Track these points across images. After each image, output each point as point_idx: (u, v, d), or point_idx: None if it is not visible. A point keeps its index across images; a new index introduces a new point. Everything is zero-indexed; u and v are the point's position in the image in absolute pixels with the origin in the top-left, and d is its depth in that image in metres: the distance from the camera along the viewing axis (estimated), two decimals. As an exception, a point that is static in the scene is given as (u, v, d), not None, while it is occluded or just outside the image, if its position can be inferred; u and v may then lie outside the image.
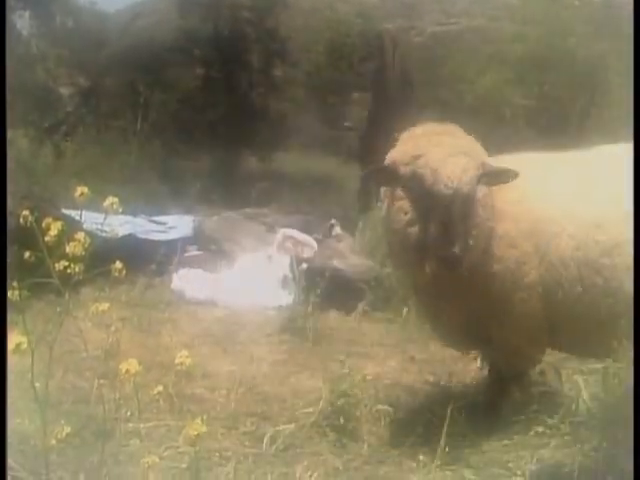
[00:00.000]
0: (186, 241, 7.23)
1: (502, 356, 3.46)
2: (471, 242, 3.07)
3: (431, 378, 4.32)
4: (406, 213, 3.15)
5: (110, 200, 2.32)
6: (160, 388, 2.34)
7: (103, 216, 2.37)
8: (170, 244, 6.91)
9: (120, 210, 2.35)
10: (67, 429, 2.24)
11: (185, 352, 2.15)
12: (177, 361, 2.14)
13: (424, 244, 3.06)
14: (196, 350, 4.53)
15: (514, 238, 3.27)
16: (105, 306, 2.34)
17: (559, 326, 3.33)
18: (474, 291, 3.23)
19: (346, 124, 16.09)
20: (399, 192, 3.18)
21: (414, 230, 3.11)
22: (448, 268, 2.98)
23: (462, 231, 3.00)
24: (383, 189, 3.44)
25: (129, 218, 7.07)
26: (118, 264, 2.30)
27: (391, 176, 3.21)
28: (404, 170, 3.15)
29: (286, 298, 5.98)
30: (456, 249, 2.94)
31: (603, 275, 3.17)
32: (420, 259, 3.11)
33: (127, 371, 2.08)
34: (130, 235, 6.62)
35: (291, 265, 6.38)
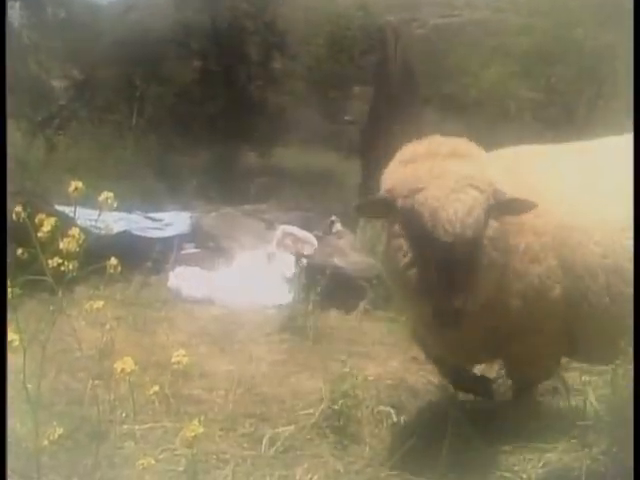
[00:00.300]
0: (183, 238, 7.25)
1: (517, 370, 3.33)
2: (478, 290, 2.78)
3: (434, 379, 4.28)
4: (405, 255, 2.82)
5: (105, 195, 2.31)
6: (156, 388, 2.34)
7: (97, 212, 2.36)
8: (166, 241, 6.92)
9: (115, 206, 2.34)
10: (60, 431, 2.24)
11: (182, 351, 2.15)
12: (174, 360, 2.14)
13: (425, 289, 2.75)
14: (193, 350, 4.53)
15: (537, 252, 3.03)
16: (100, 304, 2.34)
17: (580, 337, 3.16)
18: (490, 310, 2.98)
19: (347, 118, 16.08)
20: (397, 228, 2.86)
21: (414, 273, 2.80)
22: (446, 324, 2.71)
23: (465, 281, 2.68)
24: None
25: (124, 214, 7.08)
26: (113, 260, 2.29)
27: (388, 209, 2.88)
28: (402, 203, 2.81)
29: (286, 296, 5.97)
30: (456, 303, 2.64)
31: (631, 282, 2.90)
32: (423, 302, 2.82)
33: (122, 370, 2.07)
34: (125, 232, 6.63)
35: (291, 263, 6.38)
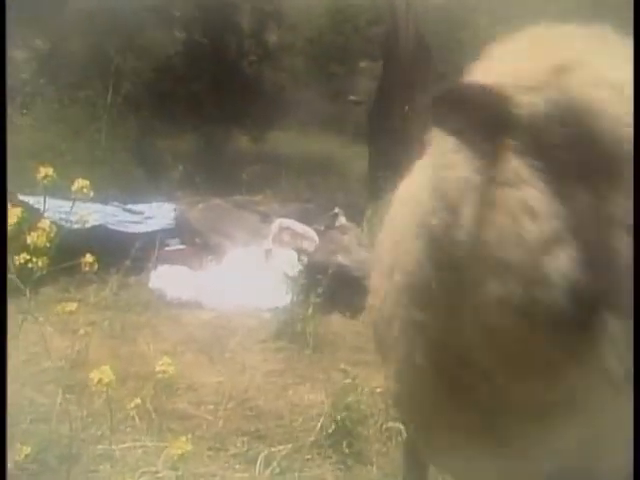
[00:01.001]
0: (166, 233, 7.27)
1: None
2: None
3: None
4: (535, 217, 1.45)
5: (80, 184, 2.33)
6: (138, 401, 2.35)
7: (66, 204, 2.38)
8: (147, 237, 6.91)
9: (91, 195, 2.35)
10: (26, 451, 2.25)
11: (167, 359, 2.15)
12: (158, 369, 2.14)
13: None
14: (179, 359, 4.54)
15: None
16: (72, 307, 2.35)
17: None
18: None
19: (352, 98, 16.08)
20: (511, 165, 1.50)
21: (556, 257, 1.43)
22: None
23: None
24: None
25: (99, 206, 7.06)
26: (89, 257, 2.32)
27: (490, 119, 1.54)
28: (528, 102, 1.52)
29: (283, 299, 5.97)
30: None
31: None
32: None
33: (100, 381, 2.08)
34: (100, 226, 6.62)
35: (289, 261, 6.43)
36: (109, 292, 6.02)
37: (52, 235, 2.23)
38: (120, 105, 11.33)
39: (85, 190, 2.33)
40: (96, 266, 2.34)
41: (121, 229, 7.02)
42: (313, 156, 12.85)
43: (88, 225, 5.27)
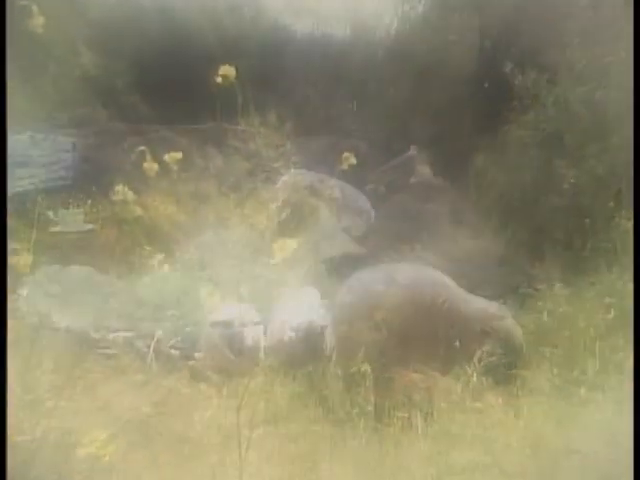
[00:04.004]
0: (56, 195, 7.03)
1: None
2: None
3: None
4: None
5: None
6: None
7: None
8: (16, 202, 6.53)
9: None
10: None
11: (101, 434, 2.30)
12: (82, 453, 2.32)
13: None
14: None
15: None
16: None
17: None
18: None
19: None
20: None
21: None
22: None
23: None
24: None
25: None
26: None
27: None
28: None
29: (306, 327, 5.60)
30: None
31: None
32: None
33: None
34: None
35: (314, 254, 6.06)
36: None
37: None
38: None
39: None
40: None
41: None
42: (361, 41, 12.56)
43: None
